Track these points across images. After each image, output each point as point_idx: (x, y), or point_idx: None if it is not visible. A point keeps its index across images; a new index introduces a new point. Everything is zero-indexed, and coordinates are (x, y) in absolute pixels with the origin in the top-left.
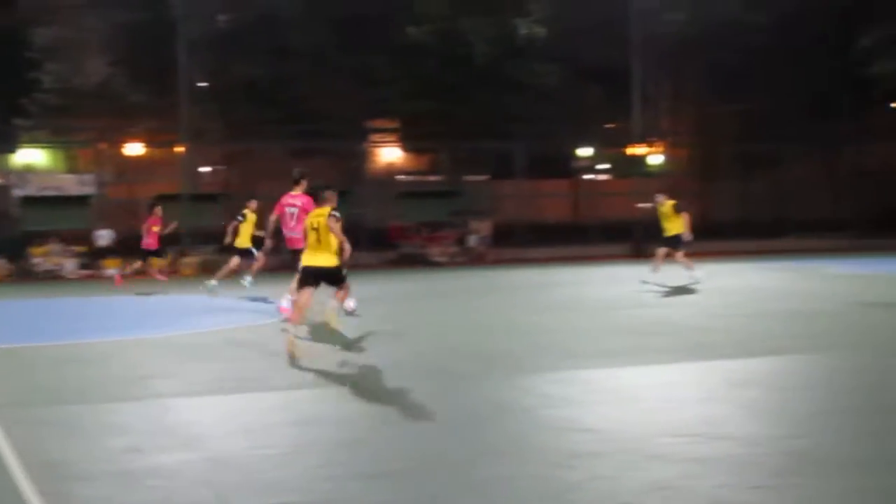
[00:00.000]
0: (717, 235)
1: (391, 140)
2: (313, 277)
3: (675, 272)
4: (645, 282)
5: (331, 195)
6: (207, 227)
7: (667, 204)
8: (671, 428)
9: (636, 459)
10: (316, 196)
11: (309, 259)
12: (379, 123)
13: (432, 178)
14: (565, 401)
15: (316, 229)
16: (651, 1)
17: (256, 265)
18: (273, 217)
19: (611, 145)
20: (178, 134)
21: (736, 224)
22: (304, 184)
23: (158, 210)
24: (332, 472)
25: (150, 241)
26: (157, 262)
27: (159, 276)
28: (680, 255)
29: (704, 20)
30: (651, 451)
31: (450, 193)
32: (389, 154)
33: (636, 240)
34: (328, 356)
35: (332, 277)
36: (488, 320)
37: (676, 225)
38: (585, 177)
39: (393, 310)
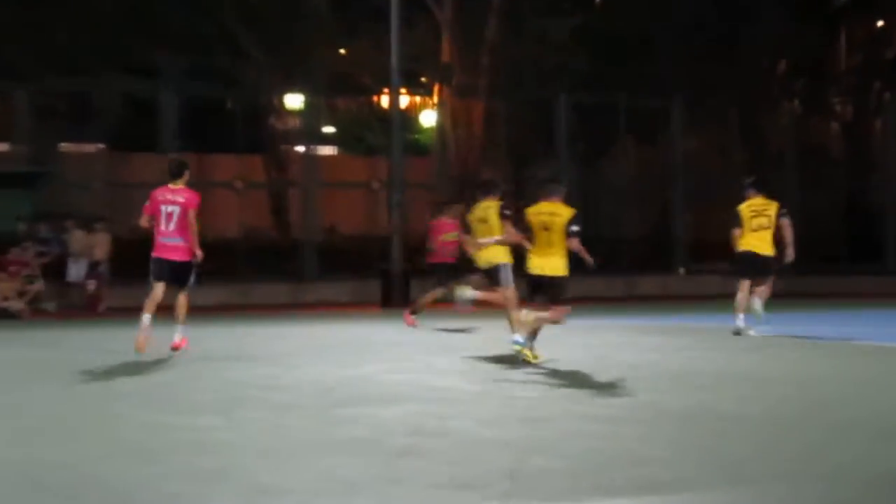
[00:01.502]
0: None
1: None
2: (539, 286)
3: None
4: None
5: (557, 188)
6: None
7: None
8: None
9: None
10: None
11: (536, 265)
12: None
13: None
14: None
15: (548, 229)
16: None
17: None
18: (145, 217)
19: (345, 91)
20: None
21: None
22: (186, 176)
23: (457, 208)
24: None
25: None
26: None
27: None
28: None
29: None
30: None
31: (29, 178)
32: None
33: (389, 274)
34: None
35: (555, 288)
36: (67, 429)
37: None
38: (297, 149)
39: None
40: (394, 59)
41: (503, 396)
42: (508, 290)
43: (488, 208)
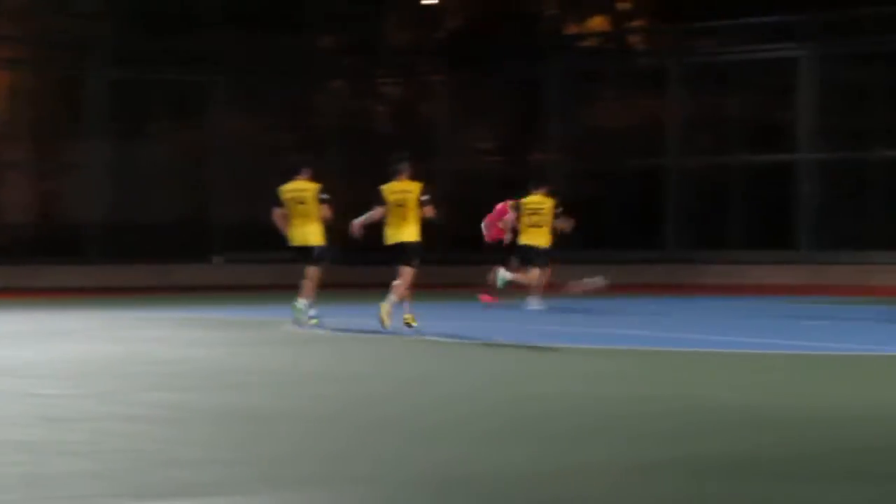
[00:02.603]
0: (79, 253)
1: None
2: (393, 253)
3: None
4: None
5: (407, 167)
6: None
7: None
8: None
9: None
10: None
11: (392, 236)
12: None
13: None
14: None
15: (402, 205)
16: None
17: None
18: None
19: None
20: None
21: (110, 227)
22: None
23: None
24: None
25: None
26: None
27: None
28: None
29: None
30: None
31: None
32: None
33: None
34: None
35: (406, 252)
36: None
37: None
38: None
39: None
40: None
41: (21, 394)
42: (317, 269)
43: (304, 190)
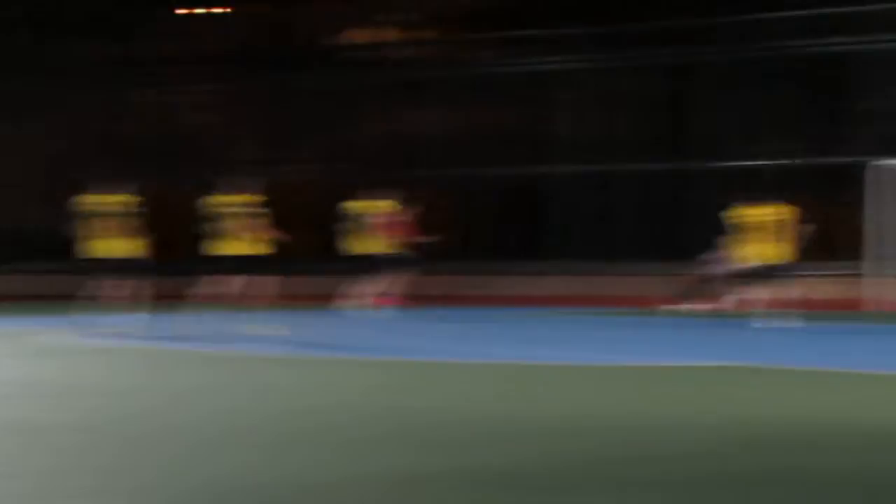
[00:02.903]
0: None
1: None
2: (239, 265)
3: None
4: None
5: (232, 180)
6: None
7: None
8: None
9: None
10: None
11: (229, 248)
12: None
13: None
14: None
15: (225, 218)
16: None
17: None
18: None
19: None
20: None
21: None
22: None
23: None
24: None
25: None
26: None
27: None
28: None
29: None
30: None
31: None
32: None
33: None
34: None
35: (252, 266)
36: None
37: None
38: None
39: None
40: None
41: None
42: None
43: (111, 203)
